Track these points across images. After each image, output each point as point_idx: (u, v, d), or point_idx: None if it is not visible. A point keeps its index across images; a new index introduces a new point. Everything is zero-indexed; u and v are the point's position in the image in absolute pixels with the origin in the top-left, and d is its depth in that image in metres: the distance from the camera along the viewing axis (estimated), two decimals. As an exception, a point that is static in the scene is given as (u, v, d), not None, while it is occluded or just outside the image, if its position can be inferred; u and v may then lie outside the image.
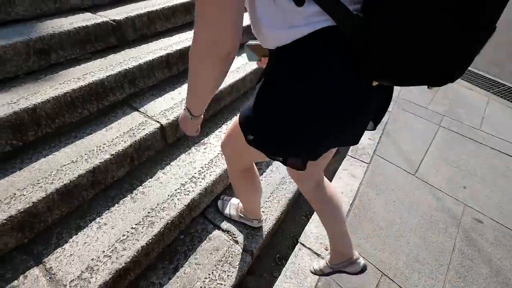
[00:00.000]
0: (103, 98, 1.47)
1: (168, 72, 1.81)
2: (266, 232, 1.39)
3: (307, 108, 0.60)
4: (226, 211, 1.40)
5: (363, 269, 1.07)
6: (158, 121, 1.45)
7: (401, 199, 1.73)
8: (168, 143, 1.52)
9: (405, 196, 1.75)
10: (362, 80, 0.56)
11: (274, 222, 1.44)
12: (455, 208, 1.70)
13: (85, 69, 1.51)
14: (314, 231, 1.47)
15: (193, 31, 0.55)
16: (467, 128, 2.40)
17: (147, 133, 1.36)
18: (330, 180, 1.81)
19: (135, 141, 1.31)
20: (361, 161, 1.95)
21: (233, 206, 1.40)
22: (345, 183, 1.79)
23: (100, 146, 1.26)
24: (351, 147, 2.03)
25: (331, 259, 1.16)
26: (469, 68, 2.88)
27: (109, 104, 1.51)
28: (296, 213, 1.63)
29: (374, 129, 0.76)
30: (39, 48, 1.44)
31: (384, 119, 2.39)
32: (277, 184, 1.62)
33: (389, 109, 2.53)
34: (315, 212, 1.52)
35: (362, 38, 0.50)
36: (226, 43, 0.53)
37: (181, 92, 1.73)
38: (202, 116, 0.78)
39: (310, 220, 1.54)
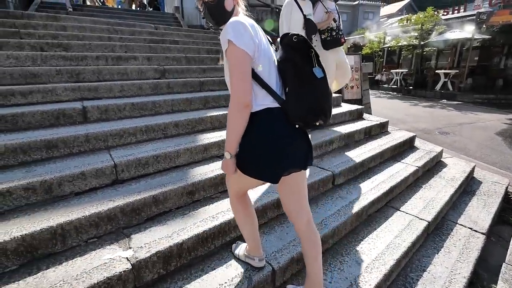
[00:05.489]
0: (227, 235, 1.74)
1: (277, 211, 2.05)
2: None
3: (264, 141, 1.17)
4: (236, 251, 1.65)
5: None
6: (270, 264, 1.57)
7: None
8: (275, 286, 1.57)
9: None
10: (291, 122, 1.20)
11: None
12: None
13: (218, 208, 1.87)
14: None
15: None
16: None
17: (261, 276, 1.47)
18: None
19: (252, 285, 1.42)
20: None
21: (242, 248, 1.62)
22: None
23: (222, 284, 1.41)
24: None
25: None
26: None
27: (230, 239, 1.76)
28: None
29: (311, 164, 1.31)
30: (190, 190, 1.92)
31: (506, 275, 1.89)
32: None
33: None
34: None
35: (285, 106, 1.18)
36: (247, 100, 1.11)
37: (288, 232, 1.88)
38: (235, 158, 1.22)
39: None
